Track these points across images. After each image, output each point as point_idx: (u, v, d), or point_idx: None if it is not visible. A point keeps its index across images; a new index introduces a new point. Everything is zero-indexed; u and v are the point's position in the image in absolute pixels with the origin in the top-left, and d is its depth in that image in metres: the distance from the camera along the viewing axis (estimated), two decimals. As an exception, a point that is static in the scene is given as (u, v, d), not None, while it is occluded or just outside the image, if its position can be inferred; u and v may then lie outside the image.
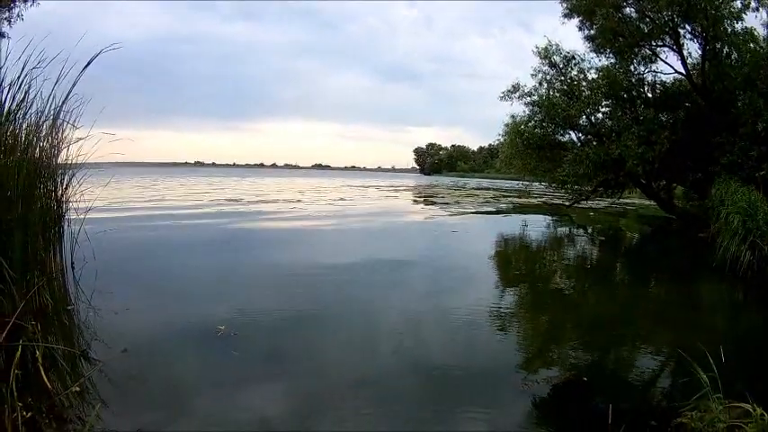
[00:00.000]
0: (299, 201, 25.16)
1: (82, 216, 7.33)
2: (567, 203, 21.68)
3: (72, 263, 7.24)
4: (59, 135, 6.49)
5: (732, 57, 15.65)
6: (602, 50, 17.59)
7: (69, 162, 6.86)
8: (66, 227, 7.08)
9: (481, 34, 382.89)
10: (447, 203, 26.73)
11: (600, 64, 17.94)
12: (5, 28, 14.22)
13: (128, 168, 44.45)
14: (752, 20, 15.27)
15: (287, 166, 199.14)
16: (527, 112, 18.85)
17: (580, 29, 17.74)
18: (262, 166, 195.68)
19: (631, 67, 17.44)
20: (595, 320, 6.78)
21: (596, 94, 17.39)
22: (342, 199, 28.10)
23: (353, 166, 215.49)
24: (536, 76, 18.55)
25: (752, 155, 13.63)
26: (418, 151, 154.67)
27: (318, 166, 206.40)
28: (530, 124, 18.65)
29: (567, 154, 17.49)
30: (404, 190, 43.41)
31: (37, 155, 6.11)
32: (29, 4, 15.93)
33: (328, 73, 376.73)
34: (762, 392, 3.49)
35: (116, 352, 4.49)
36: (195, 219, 15.36)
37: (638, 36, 16.28)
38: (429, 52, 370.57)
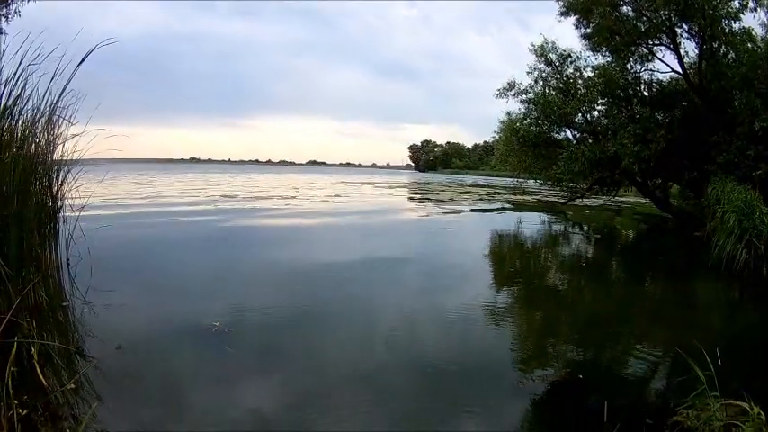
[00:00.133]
0: (293, 197, 25.11)
1: (77, 213, 7.30)
2: (563, 201, 21.71)
3: (67, 259, 7.21)
4: (55, 131, 6.46)
5: (729, 56, 15.64)
6: (598, 49, 17.56)
7: (65, 158, 6.83)
8: (61, 223, 7.05)
9: (478, 32, 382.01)
10: (442, 201, 26.72)
11: (596, 62, 17.95)
12: (3, 24, 14.13)
13: (123, 165, 44.33)
14: (749, 20, 15.29)
15: (282, 163, 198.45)
16: (523, 110, 18.89)
17: (577, 27, 17.71)
18: (257, 162, 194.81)
19: (628, 66, 17.41)
20: (591, 318, 6.79)
21: (592, 92, 17.39)
22: (337, 195, 28.06)
23: (349, 163, 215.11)
24: (532, 73, 18.56)
25: (749, 154, 13.64)
26: (413, 148, 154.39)
27: (314, 163, 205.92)
28: (525, 122, 18.67)
29: (562, 152, 17.48)
30: (399, 187, 43.37)
31: (33, 151, 6.08)
32: (26, 0, 15.82)
33: (325, 70, 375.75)
34: (759, 391, 3.50)
35: (111, 348, 4.49)
36: (190, 216, 15.31)
37: (635, 35, 16.25)
38: (426, 50, 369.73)
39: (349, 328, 5.72)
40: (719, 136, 14.48)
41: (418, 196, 32.27)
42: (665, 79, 17.83)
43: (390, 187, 41.70)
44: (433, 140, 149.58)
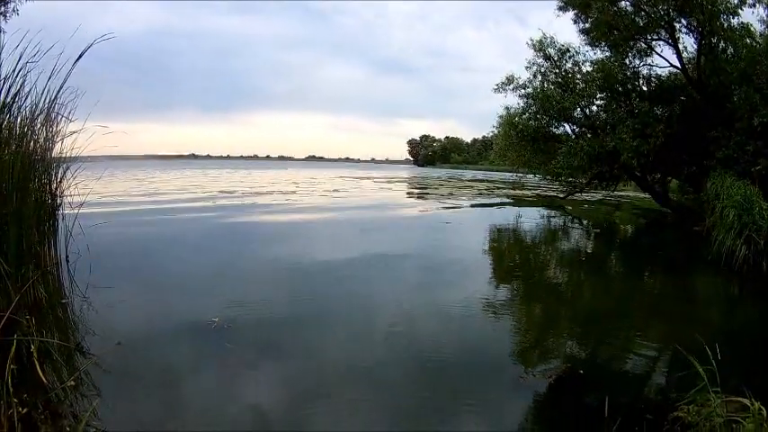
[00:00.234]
0: (293, 192, 25.11)
1: (76, 210, 7.28)
2: (562, 195, 21.73)
3: (66, 256, 7.19)
4: (54, 128, 6.45)
5: (728, 52, 15.64)
6: (597, 43, 17.50)
7: (63, 155, 6.81)
8: (60, 220, 7.04)
9: (476, 27, 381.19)
10: (441, 195, 26.72)
11: (595, 57, 17.90)
12: (2, 23, 14.05)
13: (122, 161, 44.23)
14: (748, 15, 15.28)
15: (281, 158, 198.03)
16: (521, 105, 18.89)
17: (575, 22, 17.66)
18: (256, 157, 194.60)
19: (626, 61, 17.37)
20: (591, 313, 6.80)
21: (591, 86, 17.41)
22: (336, 190, 28.06)
23: (347, 158, 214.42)
24: (530, 68, 18.52)
25: (748, 149, 13.63)
26: (412, 143, 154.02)
27: (312, 158, 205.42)
28: (524, 116, 18.65)
29: (561, 146, 17.46)
30: (398, 182, 43.35)
31: (32, 148, 6.07)
32: (24, -1, 15.70)
33: (322, 66, 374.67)
34: (759, 387, 3.49)
35: (111, 345, 4.48)
36: (189, 212, 15.30)
37: (634, 29, 16.21)
38: (423, 45, 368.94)
39: (349, 324, 5.72)
40: (718, 131, 14.47)
41: (417, 191, 32.31)
42: (663, 74, 17.82)
43: (389, 182, 41.68)
44: (431, 135, 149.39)
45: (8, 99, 5.47)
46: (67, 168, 6.96)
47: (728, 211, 10.63)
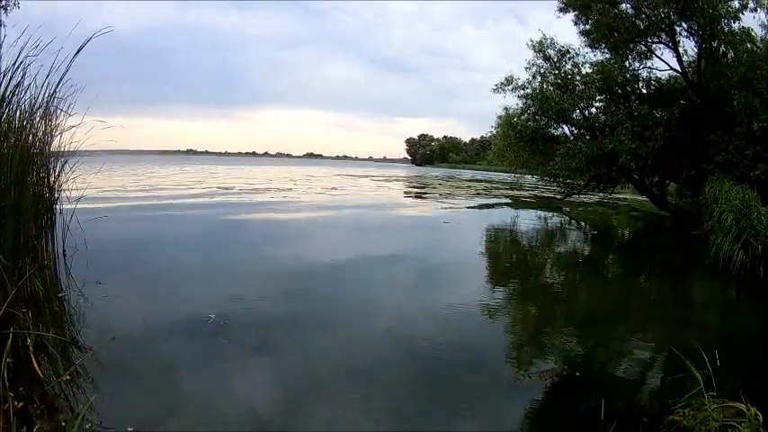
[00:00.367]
0: (290, 190, 25.12)
1: (74, 204, 7.27)
2: (559, 197, 21.72)
3: (64, 251, 7.19)
4: (53, 122, 6.43)
5: (728, 56, 15.63)
6: (597, 45, 17.50)
7: (62, 149, 6.80)
8: (58, 214, 7.03)
9: (475, 26, 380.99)
10: (439, 195, 26.74)
11: (594, 59, 17.87)
12: (2, 17, 14.01)
13: (120, 156, 44.08)
14: (749, 20, 15.29)
15: (279, 155, 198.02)
16: (520, 105, 18.81)
17: (575, 23, 17.65)
18: (254, 154, 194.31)
19: (626, 63, 17.37)
20: (588, 315, 6.81)
21: (590, 88, 17.38)
22: (334, 188, 28.07)
23: (345, 156, 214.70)
24: (530, 69, 18.47)
25: (747, 154, 13.64)
26: (410, 142, 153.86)
27: (310, 155, 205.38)
28: (523, 117, 18.61)
29: (559, 147, 17.43)
30: (395, 180, 43.33)
31: (30, 141, 6.05)
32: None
33: (322, 63, 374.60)
34: (755, 392, 3.50)
35: (107, 340, 4.47)
36: (187, 208, 15.29)
37: (634, 32, 16.22)
38: (422, 44, 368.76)
39: (345, 323, 5.72)
40: (718, 135, 14.48)
41: (415, 190, 32.30)
42: (663, 77, 17.83)
43: (387, 180, 41.69)
44: (429, 134, 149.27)
45: (8, 92, 5.46)
46: (65, 162, 6.95)
47: (727, 215, 10.63)
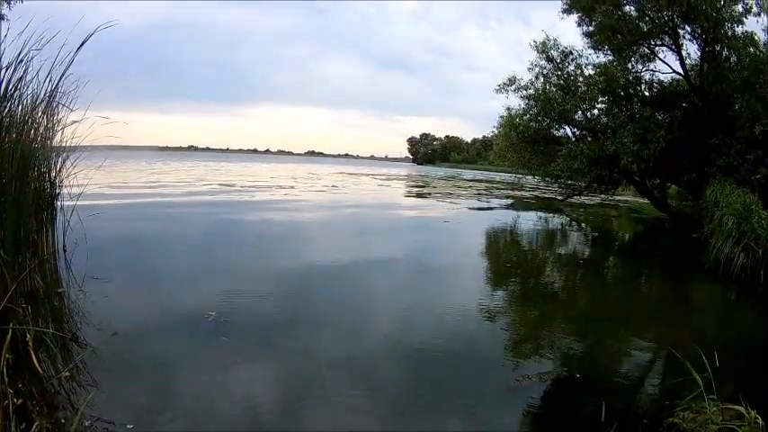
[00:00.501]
0: (291, 187, 25.13)
1: (75, 200, 7.27)
2: (560, 198, 21.73)
3: (64, 246, 7.18)
4: (55, 117, 6.42)
5: (731, 60, 15.66)
6: (600, 47, 17.52)
7: (64, 144, 6.79)
8: (58, 210, 7.02)
9: (479, 26, 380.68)
10: (440, 194, 26.73)
11: (597, 60, 17.93)
12: (5, 10, 13.99)
13: (121, 152, 44.05)
14: (753, 24, 15.31)
15: (280, 153, 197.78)
16: (522, 106, 18.82)
17: (579, 25, 17.67)
18: (255, 151, 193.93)
19: (629, 65, 17.37)
20: (589, 317, 6.80)
21: (593, 90, 17.40)
22: (335, 186, 28.09)
23: (347, 154, 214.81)
24: (533, 69, 18.50)
25: (748, 158, 13.65)
26: (412, 141, 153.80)
27: (312, 153, 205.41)
28: (525, 117, 18.59)
29: (561, 148, 17.45)
30: (397, 179, 43.36)
31: (32, 136, 6.04)
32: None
33: (325, 61, 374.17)
34: (755, 395, 3.50)
35: (107, 335, 4.48)
36: (188, 205, 15.32)
37: (637, 34, 16.22)
38: (425, 43, 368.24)
39: (345, 323, 5.70)
40: (719, 138, 14.50)
41: (416, 189, 32.29)
42: (666, 80, 17.85)
43: (388, 179, 41.70)
44: (431, 134, 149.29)
45: (10, 87, 5.44)
46: (67, 158, 6.94)
47: (727, 218, 10.64)
